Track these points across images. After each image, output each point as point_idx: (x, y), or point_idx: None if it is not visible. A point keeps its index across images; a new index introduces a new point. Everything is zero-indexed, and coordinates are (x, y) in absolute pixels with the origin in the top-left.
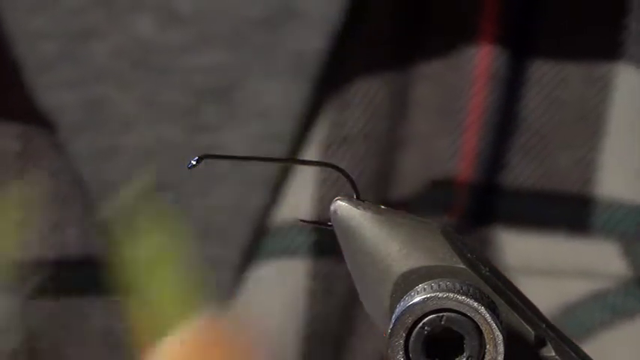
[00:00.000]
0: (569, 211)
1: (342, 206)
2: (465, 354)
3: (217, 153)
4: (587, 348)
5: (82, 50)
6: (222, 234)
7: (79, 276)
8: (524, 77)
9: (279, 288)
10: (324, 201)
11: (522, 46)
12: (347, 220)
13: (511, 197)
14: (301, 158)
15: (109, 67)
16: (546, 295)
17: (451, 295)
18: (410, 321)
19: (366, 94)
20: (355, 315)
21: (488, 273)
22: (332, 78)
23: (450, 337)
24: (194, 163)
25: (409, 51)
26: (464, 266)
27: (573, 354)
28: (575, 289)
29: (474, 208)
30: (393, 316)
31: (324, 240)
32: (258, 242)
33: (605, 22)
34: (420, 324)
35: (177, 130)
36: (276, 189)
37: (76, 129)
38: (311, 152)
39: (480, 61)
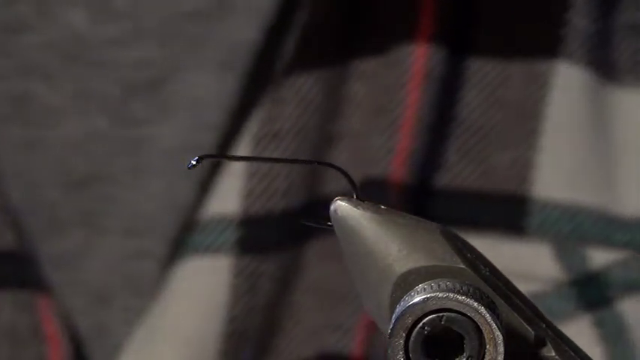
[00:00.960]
0: (505, 213)
1: (342, 206)
2: (465, 354)
3: (146, 145)
4: None
5: (11, 43)
6: (150, 227)
7: None
8: (463, 76)
9: (202, 284)
10: (252, 195)
11: (461, 44)
12: (347, 220)
13: (446, 198)
14: (301, 158)
15: (38, 60)
16: None
17: (451, 295)
18: (410, 321)
19: (300, 89)
20: (280, 314)
21: (488, 273)
22: (265, 72)
23: (450, 337)
24: (194, 163)
25: (345, 47)
26: (464, 266)
27: (573, 354)
28: None
29: (407, 209)
30: (393, 316)
31: (249, 237)
32: (184, 237)
33: (546, 18)
34: (420, 324)
35: (106, 123)
36: (206, 182)
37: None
38: (243, 146)
39: (416, 60)
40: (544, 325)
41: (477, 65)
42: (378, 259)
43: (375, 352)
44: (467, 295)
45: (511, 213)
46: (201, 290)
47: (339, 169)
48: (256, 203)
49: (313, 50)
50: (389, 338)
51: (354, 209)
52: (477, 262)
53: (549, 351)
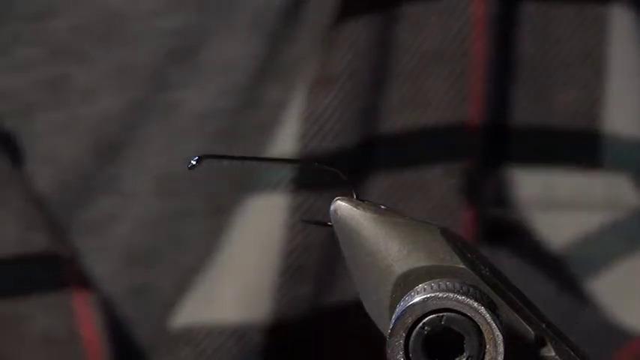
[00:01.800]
0: (578, 147)
1: (342, 206)
2: (465, 354)
3: (180, 109)
4: (606, 278)
5: (43, 30)
6: (186, 187)
7: (17, 276)
8: (519, 19)
9: (260, 222)
10: (306, 136)
11: None
12: (347, 220)
13: (520, 136)
14: (300, 159)
15: (72, 43)
16: (563, 229)
17: (451, 295)
18: (410, 321)
19: (350, 34)
20: (334, 250)
21: (488, 273)
22: (290, 32)
23: (450, 337)
24: (194, 163)
25: None
26: (464, 266)
27: (573, 354)
28: (591, 221)
29: (486, 151)
30: (393, 316)
31: (304, 175)
32: (238, 179)
33: None
34: (420, 324)
35: (140, 92)
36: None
37: (33, 109)
38: (297, 92)
39: (476, 7)
40: (544, 325)
41: (529, 8)
42: (378, 259)
43: None
44: (467, 295)
45: (585, 148)
46: (259, 228)
47: (337, 171)
48: (310, 144)
49: None
50: (389, 338)
51: (354, 209)
52: (476, 262)
53: (549, 351)
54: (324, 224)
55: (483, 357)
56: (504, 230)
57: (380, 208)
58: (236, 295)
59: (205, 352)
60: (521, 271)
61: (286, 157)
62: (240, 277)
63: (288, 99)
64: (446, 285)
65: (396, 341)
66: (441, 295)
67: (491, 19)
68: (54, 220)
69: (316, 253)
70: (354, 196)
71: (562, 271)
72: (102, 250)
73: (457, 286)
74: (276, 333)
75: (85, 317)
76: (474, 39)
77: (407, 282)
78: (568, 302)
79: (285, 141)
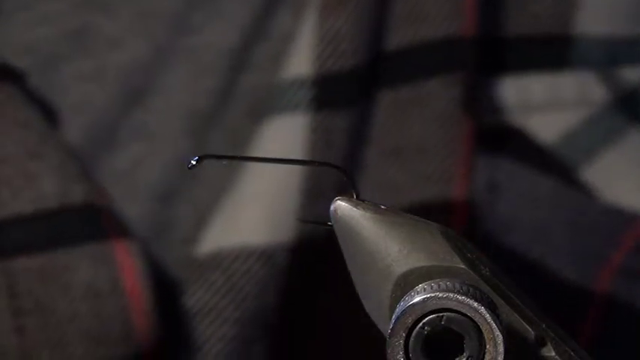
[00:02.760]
0: (552, 50)
1: (342, 206)
2: (465, 354)
3: (203, 50)
4: (593, 170)
5: None
6: (209, 122)
7: (59, 228)
8: None
9: (282, 142)
10: (322, 56)
11: None
12: (347, 220)
13: (501, 45)
14: (300, 159)
15: None
16: (546, 128)
17: (451, 295)
18: (410, 321)
19: None
20: (353, 169)
21: (488, 273)
22: None
23: (450, 337)
24: (194, 163)
25: None
26: (464, 266)
27: (573, 354)
28: (569, 119)
29: (480, 61)
30: (393, 316)
31: (323, 95)
32: (262, 101)
33: None
34: (420, 324)
35: (164, 37)
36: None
37: (58, 59)
38: (310, 14)
39: None
40: (544, 325)
41: None
42: (378, 259)
43: None
44: (467, 295)
45: (556, 50)
46: (281, 147)
47: (340, 169)
48: (327, 63)
49: None
50: (389, 338)
51: (354, 209)
52: (476, 262)
53: (549, 351)
54: (324, 224)
55: (483, 357)
56: (500, 136)
57: (380, 208)
58: (261, 217)
59: (235, 275)
60: (521, 173)
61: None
62: (264, 199)
63: (299, 24)
64: (446, 285)
65: (396, 341)
66: (441, 295)
67: None
68: (86, 170)
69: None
70: (354, 196)
71: (557, 166)
72: (131, 194)
73: (457, 286)
74: (301, 253)
75: (128, 267)
76: None
77: (407, 282)
78: (570, 194)
79: (300, 63)
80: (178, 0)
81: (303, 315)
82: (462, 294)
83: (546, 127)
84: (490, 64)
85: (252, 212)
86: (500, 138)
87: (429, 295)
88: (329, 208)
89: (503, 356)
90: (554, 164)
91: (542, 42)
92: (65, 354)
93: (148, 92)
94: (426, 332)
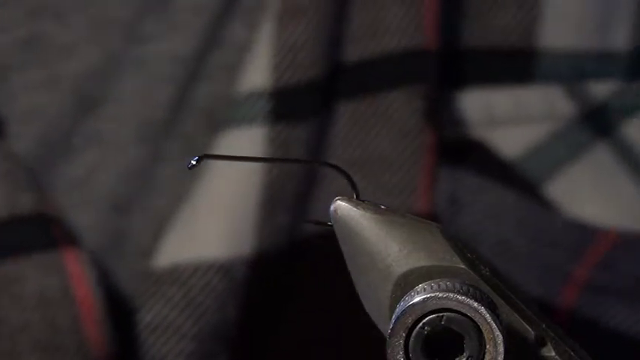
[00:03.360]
0: (516, 64)
1: (341, 206)
2: (465, 354)
3: (155, 58)
4: (557, 184)
5: None
6: (162, 131)
7: (8, 238)
8: None
9: (238, 154)
10: (280, 68)
11: None
12: (347, 220)
13: (464, 58)
14: (298, 159)
15: (48, 1)
16: (511, 142)
17: (451, 295)
18: (410, 321)
19: None
20: (312, 180)
21: (488, 273)
22: None
23: (450, 337)
24: (194, 163)
25: None
26: (464, 266)
27: (573, 354)
28: (533, 134)
29: (442, 74)
30: (393, 316)
31: (281, 107)
32: (217, 112)
33: None
34: (420, 324)
35: (118, 45)
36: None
37: (7, 68)
38: (266, 24)
39: None
40: (544, 325)
41: None
42: (378, 259)
43: None
44: (467, 295)
45: (522, 64)
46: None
47: (339, 169)
48: (285, 75)
49: None
50: (389, 338)
51: (354, 209)
52: (476, 262)
53: (549, 351)
54: (324, 224)
55: (483, 357)
56: (462, 149)
57: (380, 208)
58: (219, 230)
59: (193, 289)
60: (484, 187)
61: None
62: (222, 211)
63: (255, 34)
64: (446, 285)
65: (396, 341)
66: (441, 295)
67: None
68: (38, 179)
69: (293, 183)
70: (355, 196)
71: (519, 180)
72: (85, 203)
73: (457, 286)
74: (260, 266)
75: (78, 276)
76: None
77: (407, 282)
78: (532, 209)
79: (257, 74)
80: (131, 8)
81: (264, 328)
82: (462, 294)
83: (511, 141)
84: (452, 77)
85: (210, 224)
86: (462, 151)
87: (429, 295)
88: (288, 220)
89: (503, 356)
90: (517, 178)
91: (506, 55)
92: None
93: (102, 100)
94: (426, 332)
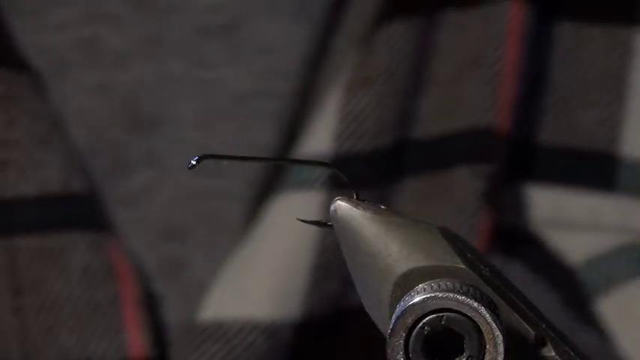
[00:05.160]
0: (596, 169)
1: (342, 206)
2: (465, 354)
3: (217, 88)
4: (611, 302)
5: None
6: (221, 168)
7: (60, 212)
8: (549, 35)
9: (293, 219)
10: (343, 135)
11: (548, 6)
12: (347, 220)
13: (540, 153)
14: (298, 158)
15: (107, 8)
16: (572, 248)
17: (451, 295)
18: (410, 321)
19: (391, 37)
20: None
21: (488, 273)
22: (339, 22)
23: (450, 337)
24: (194, 163)
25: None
26: (464, 266)
27: (573, 354)
28: (602, 244)
29: (508, 162)
30: (393, 316)
31: (339, 173)
32: (273, 176)
33: None
34: (420, 324)
35: (177, 66)
36: (293, 125)
37: (67, 68)
38: (334, 91)
39: (513, 16)
40: (544, 325)
41: (562, 27)
42: (378, 259)
43: None
44: (467, 295)
45: (601, 169)
46: (292, 224)
47: (337, 167)
48: (347, 143)
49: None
50: (389, 338)
51: (354, 209)
52: (476, 262)
53: (549, 351)
54: (325, 224)
55: (483, 357)
56: (518, 240)
57: (380, 208)
58: (268, 290)
59: (236, 349)
60: (530, 282)
61: (288, 163)
62: (273, 273)
63: (322, 101)
64: (446, 285)
65: (396, 341)
66: (441, 295)
67: (526, 28)
68: (87, 167)
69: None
70: (354, 196)
71: (570, 287)
72: (137, 222)
73: (457, 286)
74: (306, 331)
75: (120, 257)
76: (509, 46)
77: (407, 282)
78: (571, 318)
79: (321, 139)
80: (190, 30)
81: None
82: (462, 294)
83: (576, 246)
84: (524, 169)
85: (259, 283)
86: (515, 242)
87: (429, 295)
88: (337, 288)
89: (503, 356)
90: (565, 283)
91: (584, 157)
92: (57, 342)
93: (159, 120)
94: (426, 332)
